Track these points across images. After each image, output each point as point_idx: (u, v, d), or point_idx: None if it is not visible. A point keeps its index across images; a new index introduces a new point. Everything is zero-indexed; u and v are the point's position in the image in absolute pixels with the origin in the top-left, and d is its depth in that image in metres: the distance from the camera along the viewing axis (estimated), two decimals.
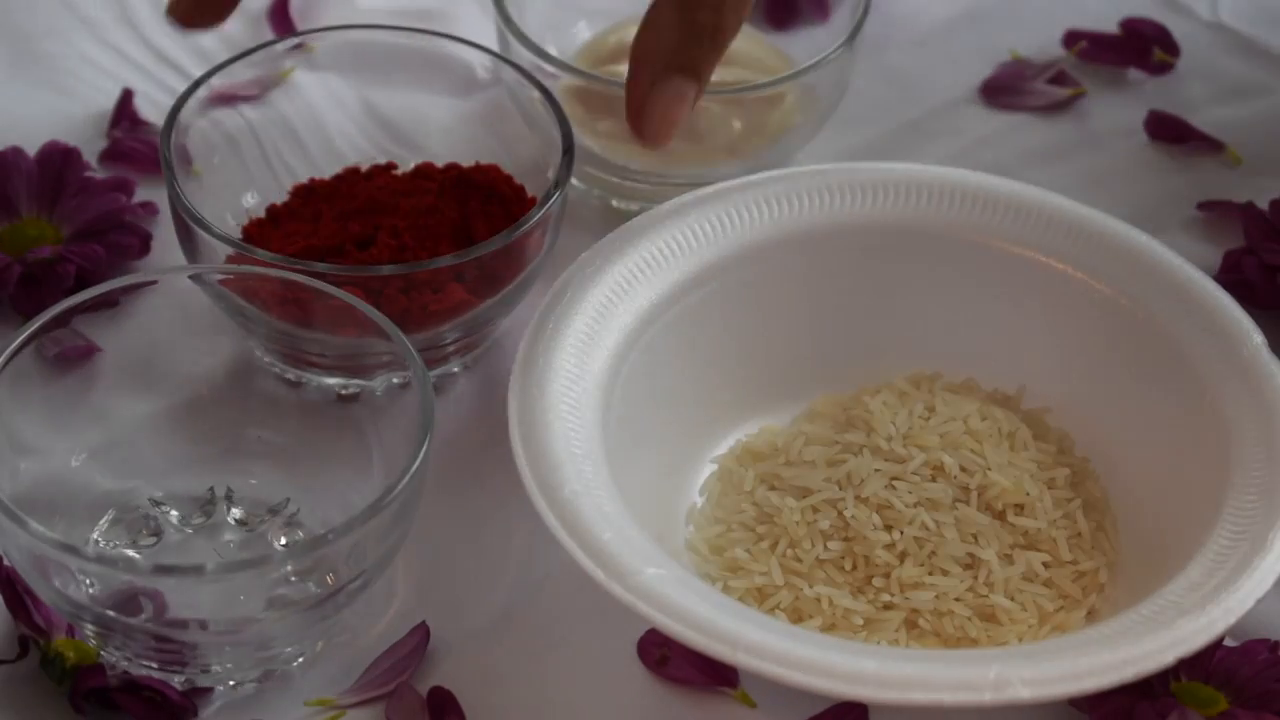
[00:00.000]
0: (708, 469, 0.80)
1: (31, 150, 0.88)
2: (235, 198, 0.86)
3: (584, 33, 0.93)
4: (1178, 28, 0.99)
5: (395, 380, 0.78)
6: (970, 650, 0.71)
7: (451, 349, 0.82)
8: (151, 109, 0.93)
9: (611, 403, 0.76)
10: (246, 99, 0.89)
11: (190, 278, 0.77)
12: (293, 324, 0.77)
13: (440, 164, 0.85)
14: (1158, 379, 0.78)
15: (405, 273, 0.77)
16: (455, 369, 0.83)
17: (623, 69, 0.82)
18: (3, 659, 0.72)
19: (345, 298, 0.75)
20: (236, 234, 0.82)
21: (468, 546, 0.77)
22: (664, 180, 0.88)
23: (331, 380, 0.79)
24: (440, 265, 0.78)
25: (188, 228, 0.79)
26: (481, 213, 0.83)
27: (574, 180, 0.90)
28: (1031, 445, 0.78)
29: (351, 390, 0.79)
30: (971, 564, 0.74)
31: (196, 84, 0.83)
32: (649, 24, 0.80)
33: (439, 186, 0.83)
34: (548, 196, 0.80)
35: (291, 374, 0.80)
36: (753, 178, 0.82)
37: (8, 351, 0.73)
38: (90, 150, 0.90)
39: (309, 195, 0.84)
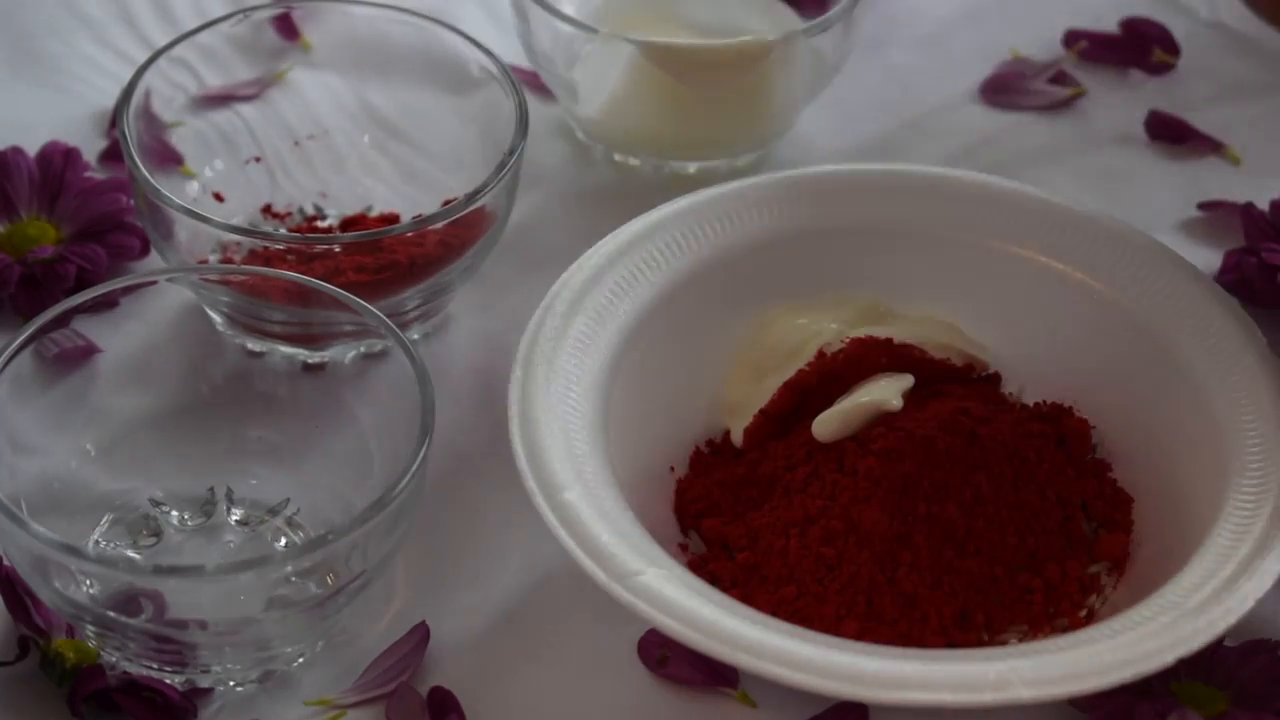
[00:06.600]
0: None
1: (31, 150, 0.88)
2: (234, 198, 0.87)
3: None
4: (1178, 28, 0.99)
5: (361, 349, 0.79)
6: (970, 650, 0.71)
7: (412, 315, 0.82)
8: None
9: (611, 403, 0.76)
10: (243, 98, 0.89)
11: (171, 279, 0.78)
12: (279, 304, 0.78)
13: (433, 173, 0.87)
14: (1158, 379, 0.78)
15: (372, 238, 0.79)
16: (415, 335, 0.84)
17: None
18: (3, 660, 0.72)
19: (339, 294, 0.75)
20: (228, 238, 0.82)
21: (468, 546, 0.77)
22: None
23: (293, 350, 0.80)
24: (396, 233, 0.79)
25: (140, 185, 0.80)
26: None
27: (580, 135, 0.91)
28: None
29: (316, 360, 0.79)
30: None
31: (159, 52, 0.84)
32: None
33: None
34: (501, 165, 0.80)
35: (253, 344, 0.80)
36: (752, 179, 0.82)
37: (8, 351, 0.73)
38: (90, 150, 0.90)
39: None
